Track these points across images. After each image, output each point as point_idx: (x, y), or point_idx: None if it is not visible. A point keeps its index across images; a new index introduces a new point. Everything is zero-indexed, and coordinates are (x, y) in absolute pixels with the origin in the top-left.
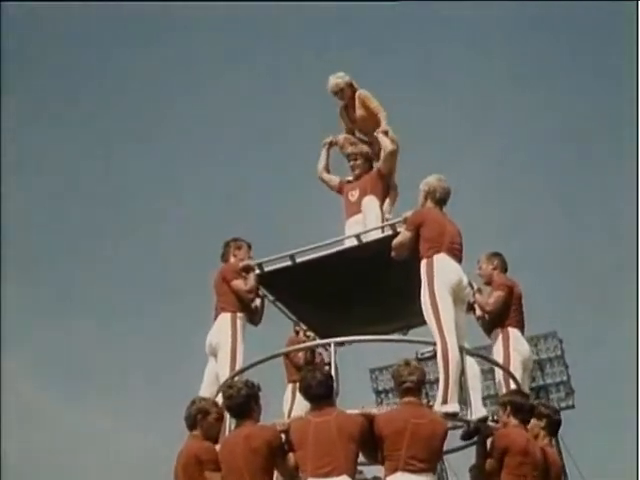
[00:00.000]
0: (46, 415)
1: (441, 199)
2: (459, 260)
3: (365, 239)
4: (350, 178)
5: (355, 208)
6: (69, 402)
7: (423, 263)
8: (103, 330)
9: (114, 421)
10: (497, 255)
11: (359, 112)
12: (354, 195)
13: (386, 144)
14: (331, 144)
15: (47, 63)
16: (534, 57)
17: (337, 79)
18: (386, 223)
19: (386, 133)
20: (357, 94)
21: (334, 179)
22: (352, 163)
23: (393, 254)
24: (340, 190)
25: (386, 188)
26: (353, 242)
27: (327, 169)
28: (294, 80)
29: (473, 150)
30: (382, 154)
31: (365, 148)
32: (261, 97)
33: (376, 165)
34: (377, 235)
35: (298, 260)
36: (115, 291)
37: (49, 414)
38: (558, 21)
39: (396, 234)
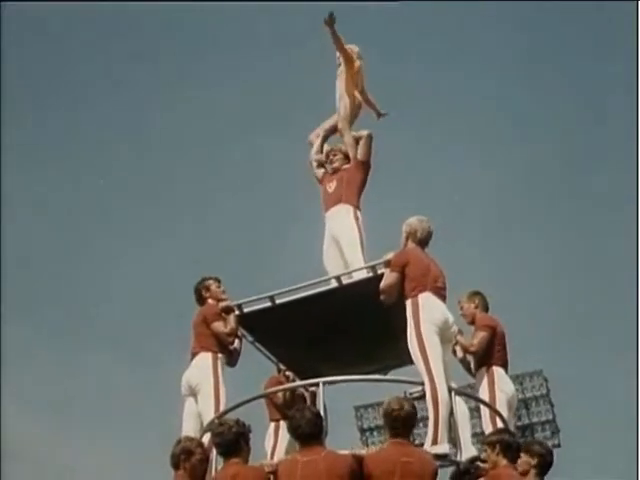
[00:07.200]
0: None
1: (422, 239)
2: (443, 299)
3: (344, 276)
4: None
5: (333, 199)
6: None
7: (408, 303)
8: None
9: (98, 457)
10: (477, 294)
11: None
12: (331, 187)
13: (362, 132)
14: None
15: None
16: (533, 57)
17: None
18: (367, 265)
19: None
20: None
21: (320, 171)
22: (331, 157)
23: (382, 297)
24: (322, 182)
25: (365, 179)
26: (337, 268)
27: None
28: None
29: (475, 178)
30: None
31: (344, 148)
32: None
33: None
34: (358, 270)
35: (278, 301)
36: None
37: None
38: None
39: (376, 275)
